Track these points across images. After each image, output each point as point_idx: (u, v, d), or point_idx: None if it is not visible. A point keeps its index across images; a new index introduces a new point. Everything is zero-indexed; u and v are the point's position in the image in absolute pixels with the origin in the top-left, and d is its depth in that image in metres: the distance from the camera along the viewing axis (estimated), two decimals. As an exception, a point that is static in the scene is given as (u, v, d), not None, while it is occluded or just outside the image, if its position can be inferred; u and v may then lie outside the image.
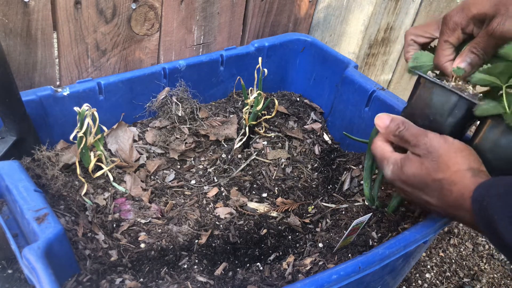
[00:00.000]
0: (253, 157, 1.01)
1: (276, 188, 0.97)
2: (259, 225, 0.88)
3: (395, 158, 0.73)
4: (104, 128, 0.90)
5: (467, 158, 0.67)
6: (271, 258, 0.83)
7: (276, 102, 1.09)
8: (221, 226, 0.87)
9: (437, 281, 1.35)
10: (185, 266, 0.79)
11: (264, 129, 1.06)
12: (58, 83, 0.99)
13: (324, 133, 1.11)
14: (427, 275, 1.36)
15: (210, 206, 0.90)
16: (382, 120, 0.75)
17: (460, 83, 0.73)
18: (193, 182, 0.95)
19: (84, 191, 0.85)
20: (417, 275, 1.35)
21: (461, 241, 1.49)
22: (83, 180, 0.86)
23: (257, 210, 0.91)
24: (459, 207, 0.66)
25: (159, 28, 1.03)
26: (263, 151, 1.03)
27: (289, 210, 0.92)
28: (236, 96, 1.12)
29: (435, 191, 0.69)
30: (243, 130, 1.04)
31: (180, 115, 1.00)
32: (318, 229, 0.89)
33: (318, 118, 1.14)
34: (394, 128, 0.73)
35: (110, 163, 0.91)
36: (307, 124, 1.12)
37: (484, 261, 1.44)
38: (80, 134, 0.83)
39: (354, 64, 1.08)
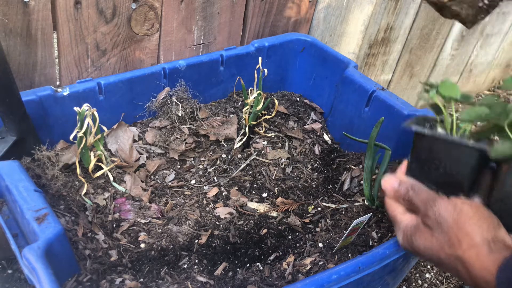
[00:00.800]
0: (253, 157, 1.01)
1: (276, 188, 0.97)
2: (259, 225, 0.88)
3: (406, 225, 0.68)
4: (104, 128, 0.90)
5: (480, 226, 0.60)
6: (271, 258, 0.83)
7: (276, 102, 1.09)
8: (221, 226, 0.87)
9: (437, 281, 1.35)
10: (185, 266, 0.79)
11: (264, 129, 1.06)
12: (58, 83, 0.99)
13: (324, 133, 1.11)
14: (427, 275, 1.36)
15: (210, 206, 0.90)
16: (390, 183, 0.71)
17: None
18: (193, 182, 0.95)
19: (84, 191, 0.85)
20: (417, 275, 1.35)
21: (461, 241, 1.49)
22: (83, 180, 0.86)
23: (257, 210, 0.91)
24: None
25: (159, 28, 1.03)
26: (263, 151, 1.03)
27: (289, 210, 0.92)
28: (236, 96, 1.12)
29: (452, 269, 0.63)
30: (243, 130, 1.04)
31: (180, 115, 1.00)
32: (318, 229, 0.89)
33: (318, 118, 1.14)
34: (403, 192, 0.69)
35: (110, 163, 0.91)
36: (307, 124, 1.12)
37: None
38: (80, 134, 0.83)
39: (354, 64, 1.07)
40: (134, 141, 0.98)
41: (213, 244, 0.83)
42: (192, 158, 0.99)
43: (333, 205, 0.94)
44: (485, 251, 0.58)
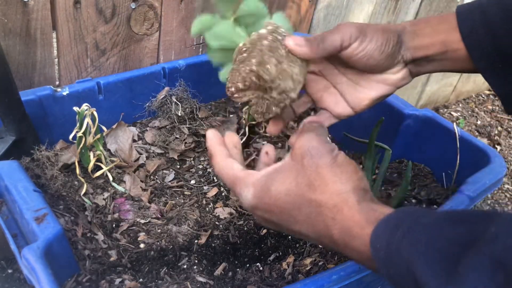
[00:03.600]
0: (253, 157, 1.01)
1: (276, 188, 0.97)
2: (259, 225, 0.88)
3: (256, 178, 0.55)
4: (104, 128, 0.90)
5: (350, 176, 0.53)
6: (271, 258, 0.82)
7: (276, 102, 1.09)
8: (220, 226, 0.86)
9: (437, 281, 1.35)
10: (185, 266, 0.79)
11: (264, 129, 1.06)
12: (57, 83, 0.99)
13: (324, 133, 1.11)
14: (427, 275, 1.36)
15: (210, 206, 0.90)
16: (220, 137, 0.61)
17: None
18: (192, 182, 0.95)
19: (84, 191, 0.85)
20: (417, 275, 1.35)
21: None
22: (82, 180, 0.86)
23: (257, 210, 0.91)
24: (348, 245, 0.51)
25: (158, 28, 1.03)
26: (263, 151, 1.03)
27: (289, 210, 0.92)
28: (236, 96, 1.12)
29: (310, 216, 0.53)
30: (243, 130, 1.04)
31: (179, 115, 1.00)
32: (318, 229, 0.89)
33: (318, 118, 1.14)
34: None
35: (110, 163, 0.91)
36: (307, 124, 1.11)
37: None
38: (80, 134, 0.83)
39: (354, 64, 1.07)
40: (134, 141, 0.98)
41: (213, 244, 0.83)
42: (191, 158, 0.99)
43: (333, 205, 0.94)
44: (354, 201, 0.51)
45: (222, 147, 0.61)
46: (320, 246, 0.55)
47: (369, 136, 0.88)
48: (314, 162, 0.53)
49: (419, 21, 0.69)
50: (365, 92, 0.69)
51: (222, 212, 0.89)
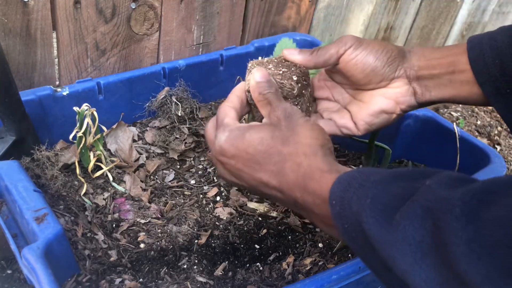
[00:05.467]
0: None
1: (276, 188, 0.97)
2: (259, 225, 0.88)
3: (240, 126, 0.60)
4: (104, 128, 0.90)
5: (318, 138, 0.58)
6: (271, 258, 0.82)
7: (276, 102, 1.09)
8: (221, 226, 0.86)
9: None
10: (185, 266, 0.79)
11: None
12: (57, 83, 0.99)
13: (324, 133, 1.11)
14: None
15: (210, 206, 0.90)
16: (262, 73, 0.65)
17: None
18: (192, 182, 0.95)
19: (84, 191, 0.85)
20: (417, 275, 1.35)
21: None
22: (82, 180, 0.86)
23: (257, 210, 0.91)
24: (307, 188, 0.54)
25: (158, 28, 1.03)
26: (263, 151, 1.03)
27: (289, 210, 0.92)
28: (236, 96, 1.12)
29: (278, 163, 0.56)
30: (243, 130, 1.04)
31: (179, 115, 1.00)
32: (318, 229, 0.89)
33: (318, 118, 1.14)
34: (266, 86, 0.63)
35: (110, 163, 0.91)
36: (307, 124, 1.11)
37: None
38: (80, 134, 0.83)
39: (354, 64, 1.07)
40: (134, 141, 0.98)
41: (213, 244, 0.83)
42: (191, 158, 0.99)
43: (333, 205, 0.94)
44: (321, 154, 0.56)
45: (236, 98, 0.66)
46: (274, 200, 0.60)
47: (369, 136, 0.88)
48: (291, 121, 0.58)
49: (429, 47, 0.71)
50: (366, 107, 0.71)
51: (222, 212, 0.89)
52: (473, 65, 0.64)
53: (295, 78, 0.68)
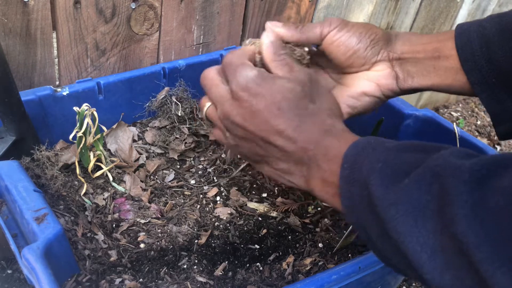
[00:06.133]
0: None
1: (276, 188, 0.97)
2: (259, 225, 0.88)
3: (265, 70, 0.59)
4: (104, 128, 0.90)
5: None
6: (271, 258, 0.82)
7: (276, 102, 1.09)
8: (221, 226, 0.86)
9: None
10: (185, 266, 0.79)
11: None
12: (57, 83, 0.99)
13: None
14: (427, 275, 1.35)
15: (210, 206, 0.90)
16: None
17: None
18: (192, 182, 0.95)
19: (84, 191, 0.85)
20: (417, 275, 1.35)
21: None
22: (82, 180, 0.86)
23: (257, 210, 0.91)
24: (323, 141, 0.54)
25: (158, 28, 1.03)
26: (263, 151, 1.03)
27: (289, 210, 0.92)
28: (236, 96, 1.12)
29: (301, 116, 0.55)
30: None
31: (179, 115, 1.00)
32: (318, 229, 0.89)
33: (318, 118, 1.14)
34: (280, 47, 0.62)
35: (110, 163, 0.91)
36: (307, 124, 1.11)
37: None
38: (80, 134, 0.83)
39: (354, 64, 1.07)
40: (134, 141, 0.98)
41: (213, 244, 0.83)
42: (191, 158, 0.99)
43: (333, 205, 0.94)
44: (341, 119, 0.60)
45: (243, 53, 0.62)
46: (270, 156, 0.57)
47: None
48: (317, 86, 0.60)
49: (417, 33, 0.70)
50: (348, 90, 0.70)
51: (222, 212, 0.89)
52: (460, 52, 0.63)
53: (306, 49, 0.67)
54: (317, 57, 0.72)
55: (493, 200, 0.38)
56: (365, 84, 0.68)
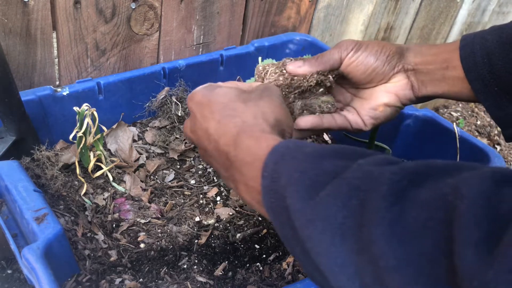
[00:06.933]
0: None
1: (276, 188, 0.97)
2: (259, 225, 0.88)
3: (219, 83, 0.64)
4: (104, 128, 0.90)
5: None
6: (271, 258, 0.82)
7: (276, 102, 1.09)
8: (220, 226, 0.86)
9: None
10: (185, 266, 0.79)
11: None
12: (57, 83, 0.99)
13: (324, 133, 1.11)
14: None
15: (210, 206, 0.90)
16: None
17: None
18: (192, 182, 0.95)
19: (84, 191, 0.85)
20: (417, 275, 1.35)
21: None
22: (82, 180, 0.86)
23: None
24: (242, 143, 0.52)
25: (158, 28, 1.03)
26: (263, 151, 1.03)
27: (289, 210, 0.92)
28: (236, 96, 1.12)
29: (227, 117, 0.55)
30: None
31: (179, 115, 1.00)
32: (318, 229, 0.89)
33: (318, 118, 1.14)
34: None
35: (110, 163, 0.91)
36: (307, 124, 1.11)
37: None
38: (80, 134, 0.83)
39: (354, 64, 1.07)
40: (134, 141, 0.98)
41: (213, 244, 0.83)
42: (191, 158, 0.99)
43: (333, 205, 0.94)
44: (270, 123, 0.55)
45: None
46: (211, 162, 0.58)
47: (369, 136, 0.88)
48: (265, 91, 0.60)
49: (427, 44, 0.74)
50: (369, 103, 0.74)
51: (222, 212, 0.89)
52: (463, 63, 0.66)
53: (330, 77, 0.71)
54: (343, 83, 0.76)
55: (413, 215, 0.35)
56: (385, 96, 0.72)
